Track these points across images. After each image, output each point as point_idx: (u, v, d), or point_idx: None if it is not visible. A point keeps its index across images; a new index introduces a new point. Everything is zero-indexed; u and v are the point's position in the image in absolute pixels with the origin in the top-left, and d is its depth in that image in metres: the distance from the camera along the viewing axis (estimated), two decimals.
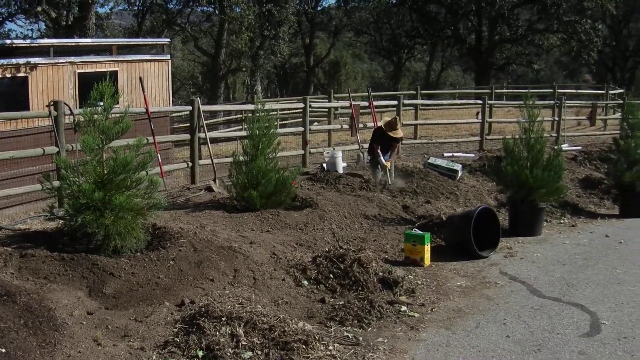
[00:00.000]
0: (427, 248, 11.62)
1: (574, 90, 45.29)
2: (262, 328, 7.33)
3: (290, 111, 33.44)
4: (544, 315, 9.21)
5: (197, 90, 74.47)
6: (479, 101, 26.42)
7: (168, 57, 22.48)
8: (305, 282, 9.75)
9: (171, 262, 9.05)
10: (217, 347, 7.01)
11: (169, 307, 8.12)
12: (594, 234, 14.95)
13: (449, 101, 41.49)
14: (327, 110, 30.50)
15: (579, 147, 25.04)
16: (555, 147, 16.21)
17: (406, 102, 26.14)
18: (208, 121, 32.43)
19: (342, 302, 9.15)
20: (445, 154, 22.29)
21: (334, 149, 20.35)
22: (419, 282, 10.54)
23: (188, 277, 8.92)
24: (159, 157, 15.59)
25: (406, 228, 13.21)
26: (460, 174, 18.10)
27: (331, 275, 9.84)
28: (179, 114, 30.56)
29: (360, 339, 8.08)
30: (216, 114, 36.55)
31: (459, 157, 22.00)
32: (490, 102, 28.41)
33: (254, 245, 10.61)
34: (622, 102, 31.50)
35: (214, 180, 16.15)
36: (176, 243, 9.70)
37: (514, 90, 48.06)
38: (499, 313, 9.29)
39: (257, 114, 13.51)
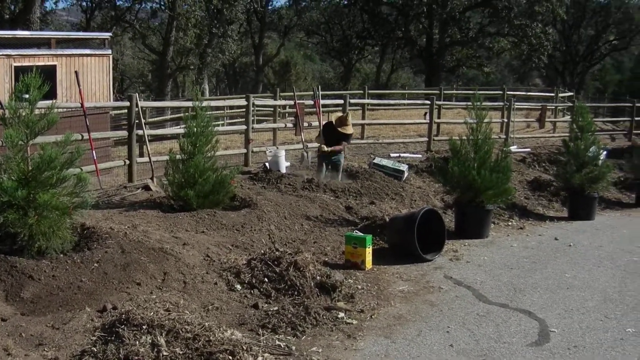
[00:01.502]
0: (369, 251, 11.10)
1: (523, 93, 44.94)
2: (186, 337, 6.76)
3: (239, 110, 32.84)
4: (490, 322, 8.75)
5: (147, 88, 73.90)
6: (427, 101, 26.01)
7: (109, 51, 21.78)
8: (239, 287, 9.20)
9: (95, 265, 8.50)
10: (136, 357, 6.46)
11: (90, 313, 7.56)
12: (542, 236, 14.63)
13: (396, 101, 41.18)
14: (273, 108, 30.00)
15: (528, 149, 24.75)
16: (504, 148, 15.81)
17: (353, 101, 25.67)
18: (155, 119, 31.95)
19: (276, 308, 8.58)
20: (392, 155, 21.87)
21: (277, 147, 19.81)
22: (359, 287, 10.01)
23: (113, 280, 8.36)
24: (94, 155, 15.01)
25: (348, 229, 12.73)
26: (406, 174, 17.68)
27: (266, 280, 9.31)
28: (124, 111, 29.71)
29: (293, 348, 7.53)
30: (164, 111, 35.92)
31: (406, 157, 21.59)
32: (438, 102, 28.05)
33: (187, 247, 10.06)
34: (571, 104, 31.37)
35: (152, 178, 15.59)
36: (103, 244, 9.13)
37: (464, 92, 47.87)
38: (443, 320, 8.81)
39: (196, 112, 12.96)
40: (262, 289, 9.17)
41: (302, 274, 9.30)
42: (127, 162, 16.13)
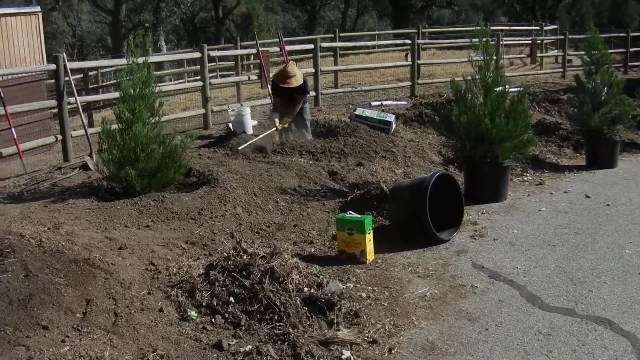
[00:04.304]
0: (369, 237, 8.27)
1: (507, 27, 42.01)
2: None
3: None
4: (563, 347, 5.91)
5: (107, 52, 71.68)
6: (408, 41, 23.34)
7: (38, 9, 18.73)
8: (194, 313, 6.30)
9: None
10: None
11: None
12: (569, 193, 12.03)
13: (373, 42, 38.45)
14: (234, 60, 27.23)
15: (521, 88, 22.14)
16: (508, 88, 13.10)
17: (324, 45, 22.87)
18: (112, 82, 29.39)
19: (249, 348, 5.71)
20: (373, 103, 19.23)
21: (241, 104, 17.00)
22: (364, 295, 7.11)
23: (6, 328, 5.47)
24: (14, 133, 12.47)
25: (336, 203, 10.13)
26: (394, 126, 15.21)
27: (232, 299, 6.40)
28: (79, 75, 26.51)
29: None
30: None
31: (389, 105, 18.92)
32: (420, 41, 25.31)
33: (123, 253, 7.25)
34: (561, 37, 29.16)
35: (91, 155, 12.80)
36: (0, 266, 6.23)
37: (448, 30, 45.77)
38: (494, 349, 5.92)
39: (132, 69, 10.12)
40: (227, 314, 6.27)
41: (283, 287, 6.41)
42: (60, 137, 13.37)
